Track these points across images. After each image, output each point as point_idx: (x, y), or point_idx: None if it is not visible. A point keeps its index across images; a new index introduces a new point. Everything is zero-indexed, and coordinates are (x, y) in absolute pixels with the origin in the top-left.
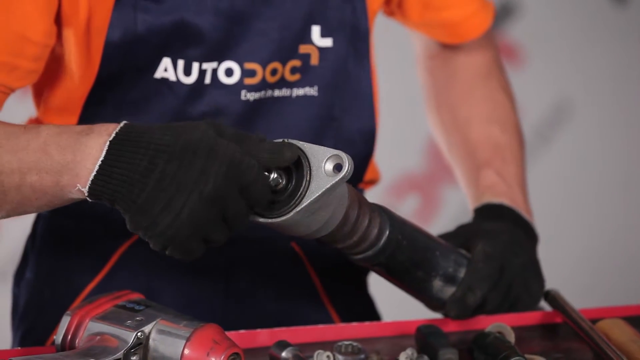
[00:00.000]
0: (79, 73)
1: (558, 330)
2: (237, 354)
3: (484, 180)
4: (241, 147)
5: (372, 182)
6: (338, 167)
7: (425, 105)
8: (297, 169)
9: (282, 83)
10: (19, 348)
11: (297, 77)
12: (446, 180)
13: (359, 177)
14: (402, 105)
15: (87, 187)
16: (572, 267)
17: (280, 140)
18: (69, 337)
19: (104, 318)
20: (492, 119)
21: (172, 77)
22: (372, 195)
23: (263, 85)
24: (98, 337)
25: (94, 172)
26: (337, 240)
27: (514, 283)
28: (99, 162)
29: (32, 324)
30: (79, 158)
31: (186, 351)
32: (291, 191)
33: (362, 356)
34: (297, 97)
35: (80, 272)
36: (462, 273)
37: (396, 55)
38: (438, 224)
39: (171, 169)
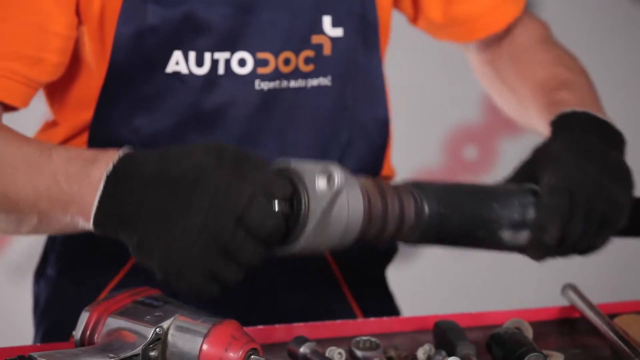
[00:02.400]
0: (95, 66)
1: (576, 326)
2: (255, 349)
3: (553, 99)
4: (237, 174)
5: (387, 178)
6: (331, 181)
7: (496, 99)
8: (295, 191)
9: (297, 74)
10: (38, 344)
11: (311, 67)
12: (463, 176)
13: (377, 167)
14: (419, 101)
15: (92, 222)
16: (590, 262)
17: (288, 166)
18: (88, 332)
19: (123, 314)
20: (557, 63)
21: (184, 70)
22: None
23: (276, 74)
24: (117, 333)
25: (94, 208)
26: (372, 239)
27: (591, 203)
28: (98, 197)
29: (55, 320)
30: (84, 190)
31: (204, 347)
32: (295, 215)
33: (380, 351)
34: (312, 87)
35: (103, 269)
36: (532, 213)
37: (414, 51)
38: None
39: (159, 201)
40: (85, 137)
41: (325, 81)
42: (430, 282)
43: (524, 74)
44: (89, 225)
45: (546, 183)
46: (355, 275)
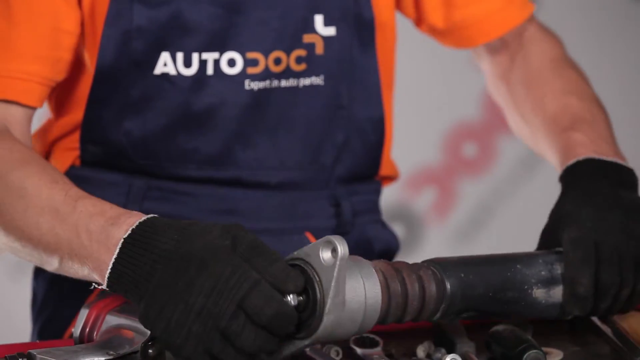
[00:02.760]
0: (89, 66)
1: (575, 323)
2: None
3: (565, 142)
4: (247, 261)
5: (391, 178)
6: (335, 250)
7: (509, 121)
8: (306, 278)
9: (289, 73)
10: (38, 341)
11: (303, 66)
12: (463, 173)
13: (374, 166)
14: (418, 99)
15: (105, 282)
16: None
17: (293, 256)
18: (87, 330)
19: (122, 311)
20: (567, 91)
21: (173, 71)
22: (389, 189)
23: (267, 74)
24: (116, 330)
25: (109, 271)
26: (399, 315)
27: (620, 248)
28: (112, 261)
29: (51, 317)
30: (102, 250)
31: None
32: (312, 301)
33: (379, 349)
34: (304, 87)
35: None
36: (559, 269)
37: (414, 49)
38: (455, 218)
39: (167, 277)
40: (77, 136)
41: (317, 80)
42: None
43: (535, 104)
44: (103, 284)
45: (568, 239)
46: None
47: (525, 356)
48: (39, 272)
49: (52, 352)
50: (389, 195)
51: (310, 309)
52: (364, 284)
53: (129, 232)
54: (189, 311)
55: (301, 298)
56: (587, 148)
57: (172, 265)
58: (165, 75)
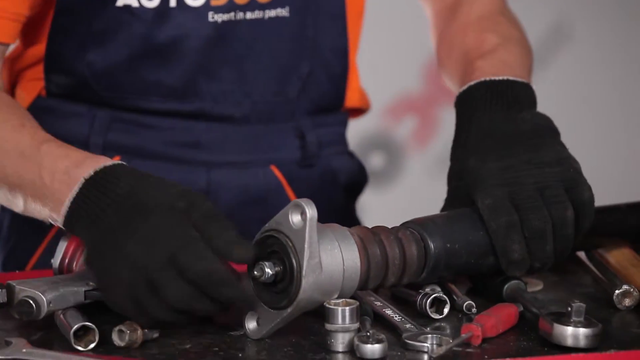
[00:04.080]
0: None
1: None
2: None
3: (465, 72)
4: (202, 228)
5: (362, 110)
6: (303, 213)
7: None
8: (280, 247)
9: (253, 5)
10: (17, 272)
11: None
12: (444, 101)
13: (339, 97)
14: (399, 27)
15: (62, 220)
16: None
17: (266, 228)
18: (67, 260)
19: None
20: (485, 30)
21: (135, 3)
22: (368, 118)
23: (231, 6)
24: None
25: (65, 208)
26: (382, 277)
27: (540, 186)
28: (70, 198)
29: (14, 247)
30: (64, 189)
31: None
32: (289, 268)
33: None
34: (270, 18)
35: None
36: None
37: None
38: (436, 146)
39: (113, 223)
40: (41, 68)
41: (283, 12)
42: (408, 207)
43: (455, 50)
44: (60, 222)
45: (484, 208)
46: (318, 207)
47: (506, 286)
48: None
49: (32, 282)
50: (369, 124)
51: (288, 276)
52: (339, 246)
53: (91, 173)
54: (122, 258)
55: (278, 268)
56: (484, 72)
57: (121, 211)
58: (127, 7)
